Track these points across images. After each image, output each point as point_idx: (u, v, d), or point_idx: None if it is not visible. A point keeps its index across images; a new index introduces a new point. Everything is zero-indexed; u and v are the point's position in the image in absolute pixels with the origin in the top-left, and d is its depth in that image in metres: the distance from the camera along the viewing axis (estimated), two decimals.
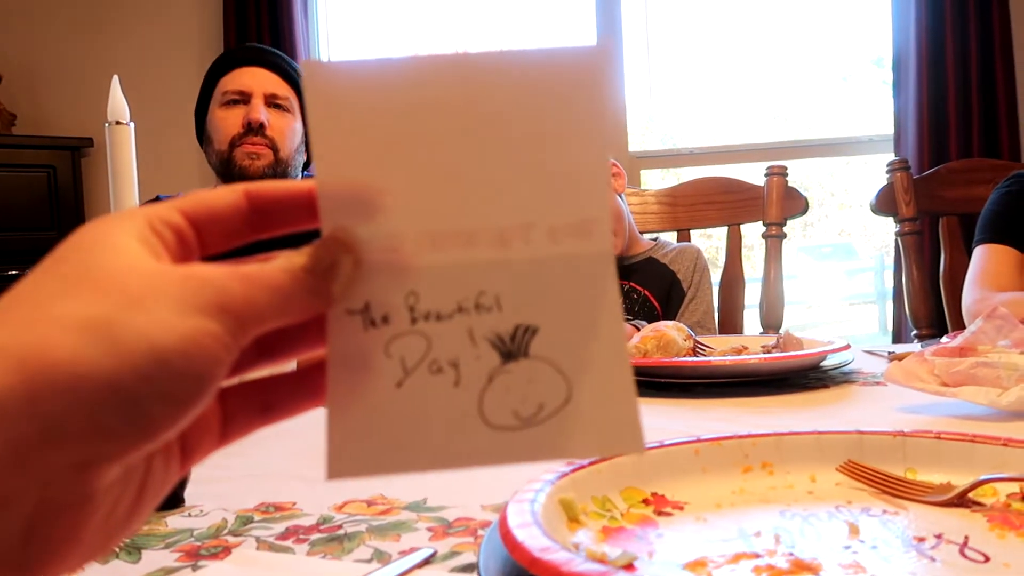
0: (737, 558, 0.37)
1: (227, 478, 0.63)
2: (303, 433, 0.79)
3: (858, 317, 6.03)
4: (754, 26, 3.57)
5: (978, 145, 2.14)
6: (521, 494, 0.41)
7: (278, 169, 1.44)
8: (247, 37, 2.62)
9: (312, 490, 0.57)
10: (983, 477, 0.44)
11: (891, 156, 2.20)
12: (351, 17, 2.97)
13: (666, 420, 0.76)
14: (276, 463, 0.68)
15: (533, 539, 0.35)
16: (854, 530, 0.40)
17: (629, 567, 0.36)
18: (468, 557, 0.43)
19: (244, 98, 1.43)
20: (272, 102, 1.45)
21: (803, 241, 6.10)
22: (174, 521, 0.52)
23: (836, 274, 6.25)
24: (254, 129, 1.41)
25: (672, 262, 1.52)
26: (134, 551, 0.47)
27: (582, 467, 0.46)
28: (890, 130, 2.34)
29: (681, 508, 0.45)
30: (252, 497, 0.56)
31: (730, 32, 3.52)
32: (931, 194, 1.73)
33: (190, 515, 0.53)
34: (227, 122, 1.43)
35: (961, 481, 0.44)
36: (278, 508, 0.53)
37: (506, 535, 0.36)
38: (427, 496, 0.54)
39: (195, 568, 0.43)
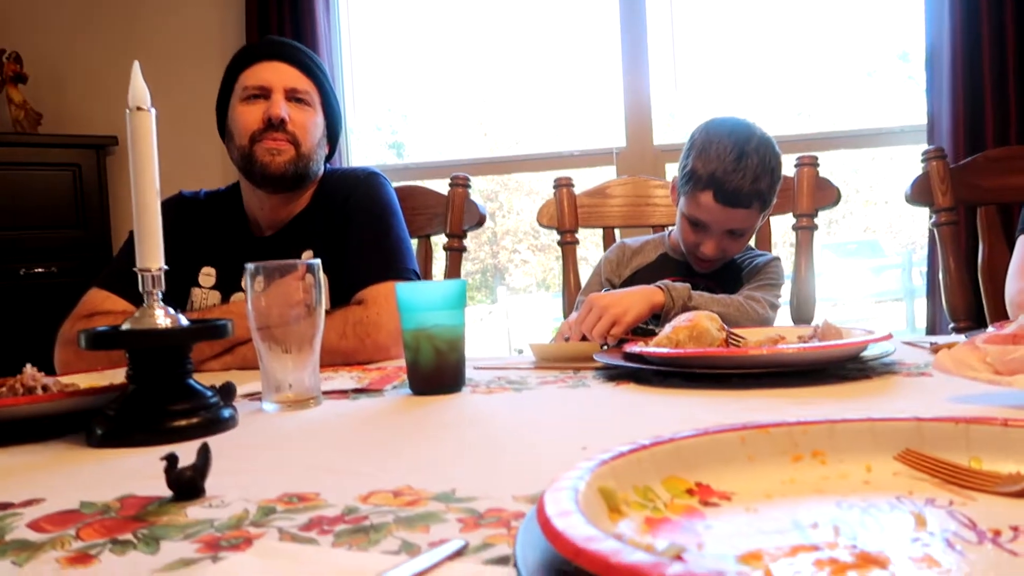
0: (795, 551, 0.34)
1: (249, 469, 0.61)
2: (330, 428, 0.77)
3: (885, 314, 5.93)
4: (778, 20, 3.51)
5: (1016, 133, 2.08)
6: (558, 482, 0.39)
7: (299, 164, 1.43)
8: (269, 32, 2.62)
9: (337, 480, 0.55)
10: None
11: (922, 147, 2.15)
12: (373, 10, 2.96)
13: (702, 411, 0.73)
14: (300, 455, 0.66)
15: (575, 528, 0.32)
16: (920, 521, 0.37)
17: (678, 559, 0.33)
18: (502, 549, 0.40)
19: (264, 93, 1.42)
20: (293, 96, 1.43)
21: (827, 238, 6.01)
22: (194, 512, 0.50)
23: (862, 271, 6.15)
24: (275, 125, 1.40)
25: (744, 263, 1.50)
26: (152, 542, 0.45)
27: (622, 455, 0.43)
28: (917, 123, 2.28)
29: (728, 498, 0.42)
30: (274, 487, 0.54)
31: (754, 26, 3.46)
32: (968, 183, 1.68)
33: (211, 506, 0.51)
34: (247, 117, 1.41)
35: None
36: (301, 499, 0.51)
37: (545, 524, 0.33)
38: (455, 487, 0.52)
39: (215, 560, 0.41)
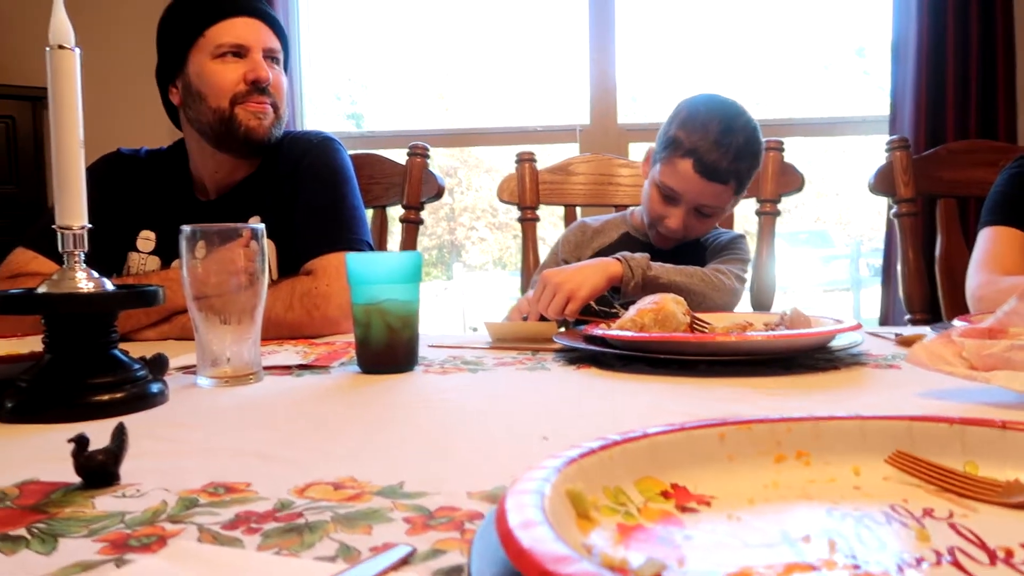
0: (789, 569, 0.30)
1: (174, 452, 0.55)
2: (269, 407, 0.71)
3: (832, 304, 6.06)
4: (741, 10, 3.51)
5: (976, 127, 2.09)
6: (521, 484, 0.34)
7: (277, 128, 1.37)
8: None
9: (271, 469, 0.50)
10: None
11: (882, 138, 2.15)
12: None
13: (668, 400, 0.69)
14: (233, 437, 0.60)
15: (542, 544, 0.27)
16: (922, 536, 0.34)
17: None
18: (454, 557, 0.35)
19: (241, 52, 1.33)
20: (269, 56, 1.36)
21: (779, 227, 6.11)
22: (104, 503, 0.44)
23: (811, 261, 6.27)
24: (261, 88, 1.32)
25: (707, 241, 1.47)
26: (49, 539, 0.39)
27: (591, 452, 0.38)
28: (877, 114, 2.28)
29: (708, 503, 0.38)
30: (200, 475, 0.48)
31: (718, 16, 3.45)
32: (929, 175, 1.68)
33: (124, 495, 0.45)
34: (226, 77, 1.32)
35: None
36: (229, 489, 0.46)
37: (507, 537, 0.29)
38: (404, 479, 0.47)
39: (119, 563, 0.35)
